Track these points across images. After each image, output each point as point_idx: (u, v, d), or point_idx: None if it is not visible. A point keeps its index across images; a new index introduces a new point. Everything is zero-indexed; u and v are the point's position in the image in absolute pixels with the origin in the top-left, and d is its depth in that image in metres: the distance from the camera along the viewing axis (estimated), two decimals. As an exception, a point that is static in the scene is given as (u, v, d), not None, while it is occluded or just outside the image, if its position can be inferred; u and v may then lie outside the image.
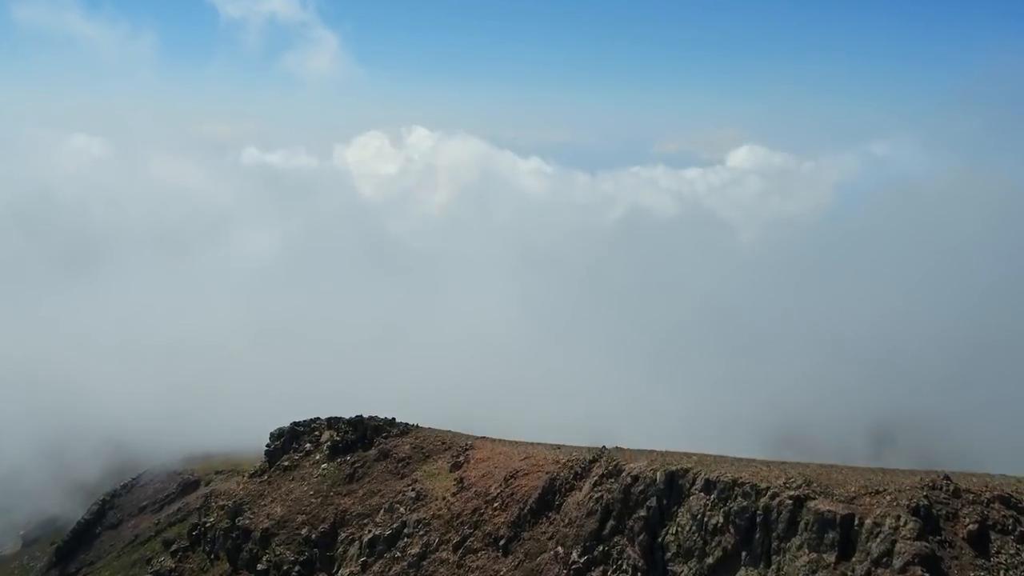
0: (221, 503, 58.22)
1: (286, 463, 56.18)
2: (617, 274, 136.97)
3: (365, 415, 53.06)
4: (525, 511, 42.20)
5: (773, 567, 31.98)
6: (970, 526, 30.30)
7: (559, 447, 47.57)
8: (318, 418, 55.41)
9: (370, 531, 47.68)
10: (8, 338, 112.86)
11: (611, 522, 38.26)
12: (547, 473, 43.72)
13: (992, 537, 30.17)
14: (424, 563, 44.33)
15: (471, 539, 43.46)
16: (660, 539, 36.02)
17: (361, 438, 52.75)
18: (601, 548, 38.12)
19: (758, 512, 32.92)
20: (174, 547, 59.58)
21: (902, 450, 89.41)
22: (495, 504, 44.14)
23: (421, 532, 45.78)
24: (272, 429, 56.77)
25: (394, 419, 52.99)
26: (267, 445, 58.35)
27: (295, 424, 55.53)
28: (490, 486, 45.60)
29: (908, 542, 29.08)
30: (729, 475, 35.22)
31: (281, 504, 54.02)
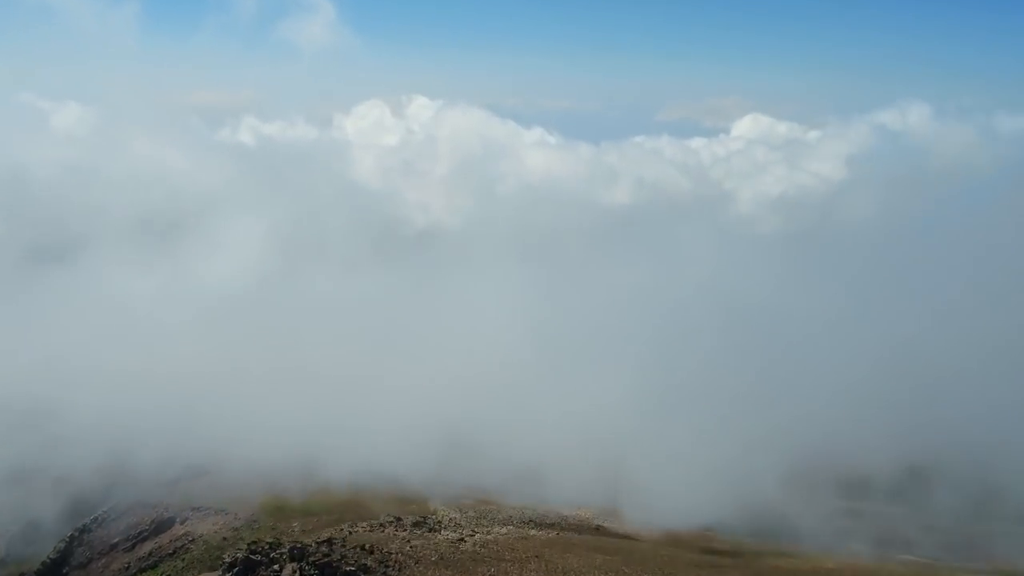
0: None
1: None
2: (622, 267, 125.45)
3: (342, 534, 43.68)
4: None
5: None
6: None
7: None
8: (280, 545, 46.47)
9: None
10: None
11: None
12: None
13: None
14: None
15: None
16: None
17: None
18: None
19: None
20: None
21: (942, 488, 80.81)
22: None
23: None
24: (235, 532, 48.06)
25: (371, 550, 43.91)
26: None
27: (251, 552, 46.41)
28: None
29: None
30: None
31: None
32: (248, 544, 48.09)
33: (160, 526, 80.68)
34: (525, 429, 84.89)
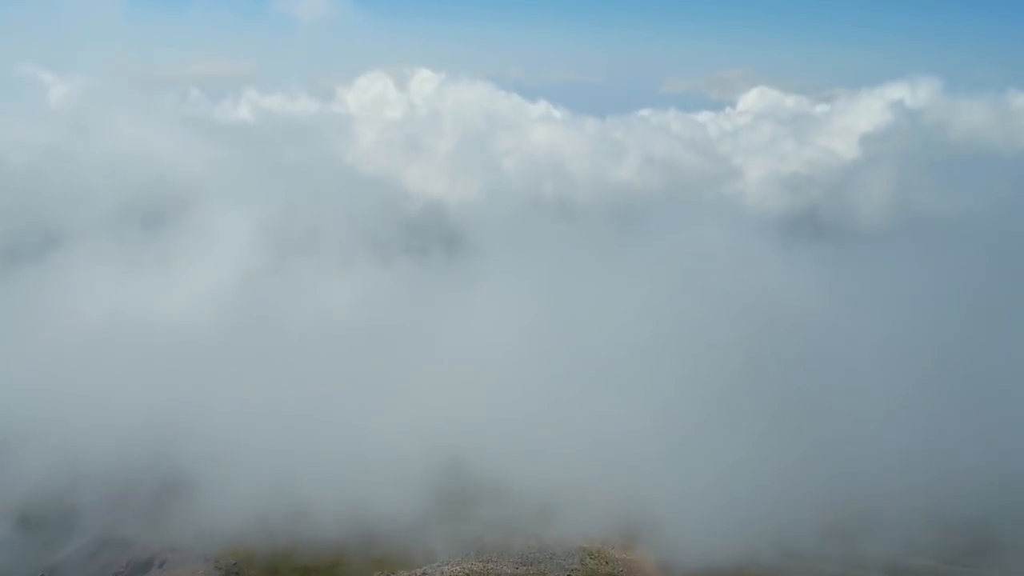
0: None
1: None
2: (638, 264, 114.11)
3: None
4: None
5: None
6: None
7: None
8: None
9: None
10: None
11: None
12: None
13: None
14: None
15: None
16: None
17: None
18: None
19: None
20: None
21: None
22: None
23: None
24: None
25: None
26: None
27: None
28: None
29: None
30: None
31: None
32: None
33: (135, 570, 72.49)
34: (537, 461, 76.36)
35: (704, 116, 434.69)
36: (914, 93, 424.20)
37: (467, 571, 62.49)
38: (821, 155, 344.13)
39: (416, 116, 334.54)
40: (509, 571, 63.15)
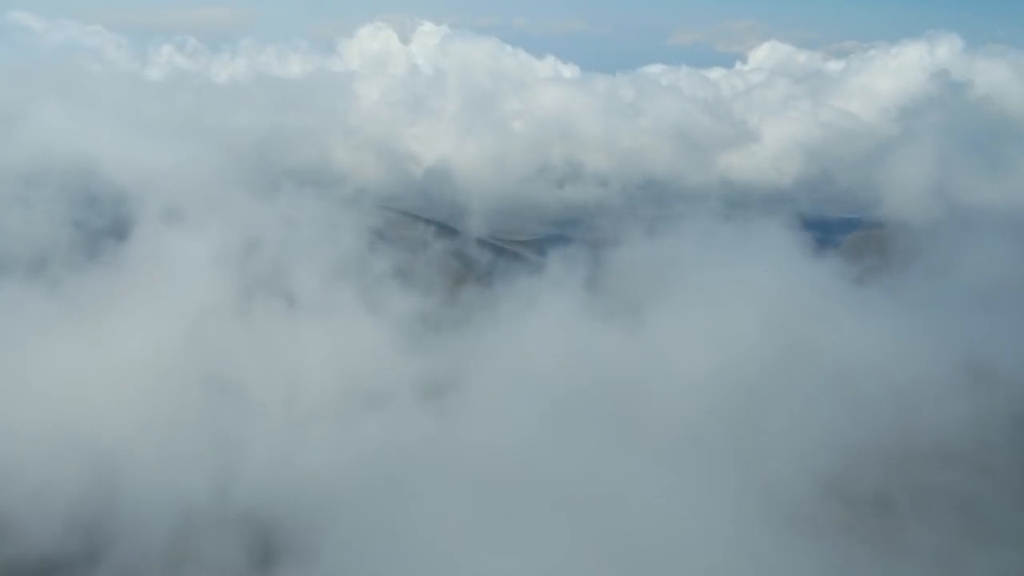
0: None
1: None
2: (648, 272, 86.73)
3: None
4: None
5: None
6: None
7: None
8: None
9: None
10: None
11: None
12: None
13: None
14: None
15: None
16: None
17: None
18: None
19: None
20: None
21: None
22: None
23: None
24: None
25: None
26: None
27: None
28: None
29: None
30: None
31: None
32: None
33: None
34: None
35: (716, 73, 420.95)
36: (932, 52, 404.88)
37: None
38: (841, 118, 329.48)
39: (419, 76, 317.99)
40: None
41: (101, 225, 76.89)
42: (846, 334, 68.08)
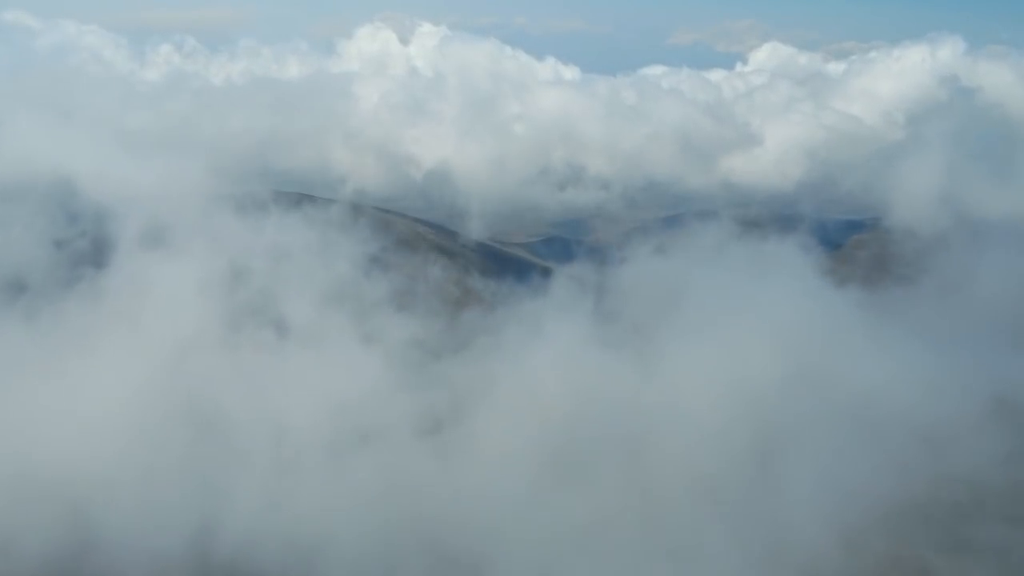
0: None
1: None
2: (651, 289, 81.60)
3: None
4: None
5: None
6: None
7: None
8: None
9: None
10: None
11: None
12: None
13: None
14: None
15: None
16: None
17: None
18: None
19: None
20: None
21: None
22: None
23: None
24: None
25: None
26: None
27: None
28: None
29: None
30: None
31: None
32: None
33: None
34: None
35: (717, 75, 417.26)
36: (934, 54, 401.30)
37: None
38: (843, 121, 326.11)
39: (418, 78, 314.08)
40: None
41: (81, 247, 72.75)
42: (866, 367, 64.02)
